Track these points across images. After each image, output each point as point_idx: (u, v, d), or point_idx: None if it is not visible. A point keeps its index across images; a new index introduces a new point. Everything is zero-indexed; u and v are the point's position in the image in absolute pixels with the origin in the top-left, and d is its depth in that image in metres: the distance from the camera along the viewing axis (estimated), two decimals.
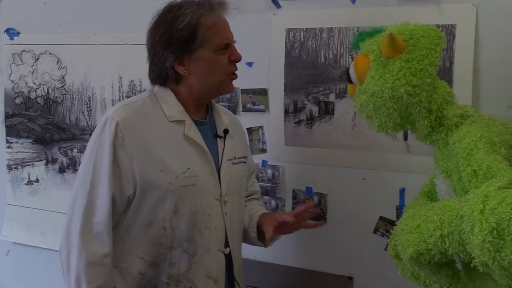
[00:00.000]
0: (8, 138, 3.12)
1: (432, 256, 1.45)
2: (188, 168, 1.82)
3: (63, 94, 2.93)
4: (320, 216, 2.35)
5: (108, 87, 2.81)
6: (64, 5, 2.88)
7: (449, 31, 2.03)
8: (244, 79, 2.33)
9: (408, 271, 1.73)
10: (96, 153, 1.77)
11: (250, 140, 2.47)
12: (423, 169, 2.03)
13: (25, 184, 3.11)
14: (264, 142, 2.47)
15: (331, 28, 2.26)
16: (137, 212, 1.81)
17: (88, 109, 2.87)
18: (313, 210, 2.22)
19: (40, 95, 3.00)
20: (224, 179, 1.92)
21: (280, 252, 2.45)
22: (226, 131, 1.97)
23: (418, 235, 1.46)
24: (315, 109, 2.33)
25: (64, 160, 2.97)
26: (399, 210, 2.20)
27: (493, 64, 1.99)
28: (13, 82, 3.07)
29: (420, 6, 2.07)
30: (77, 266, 1.73)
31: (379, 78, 1.56)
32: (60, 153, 2.98)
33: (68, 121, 2.94)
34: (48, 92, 2.97)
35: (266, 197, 2.48)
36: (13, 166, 3.13)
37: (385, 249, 2.23)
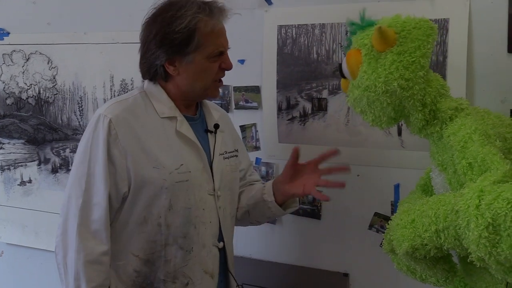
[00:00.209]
0: (0, 139, 3.10)
1: (427, 251, 1.45)
2: (181, 164, 1.82)
3: (55, 94, 2.91)
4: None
5: (99, 86, 2.79)
6: (54, 4, 2.85)
7: (442, 25, 2.02)
8: (236, 77, 2.33)
9: (404, 266, 1.72)
10: (90, 151, 1.77)
11: (243, 138, 2.46)
12: (418, 165, 2.03)
13: (18, 184, 3.09)
14: (257, 140, 2.46)
15: (323, 24, 2.25)
16: (131, 209, 1.81)
17: (80, 108, 2.85)
18: (339, 166, 2.03)
19: (32, 96, 2.98)
20: (216, 173, 1.92)
21: (275, 249, 2.45)
22: (216, 126, 1.97)
23: (413, 230, 1.45)
24: (308, 106, 2.32)
25: (57, 160, 2.96)
26: (394, 206, 2.19)
27: (487, 58, 1.99)
28: (4, 82, 3.04)
29: (413, 0, 2.06)
30: (76, 265, 1.72)
31: (371, 72, 1.55)
32: (53, 153, 2.96)
33: (60, 121, 2.92)
34: (39, 92, 2.95)
35: None
36: (6, 167, 3.11)
37: (381, 245, 2.23)
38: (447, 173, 1.55)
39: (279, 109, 2.38)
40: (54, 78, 2.90)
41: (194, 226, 1.85)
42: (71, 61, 2.85)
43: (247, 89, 2.44)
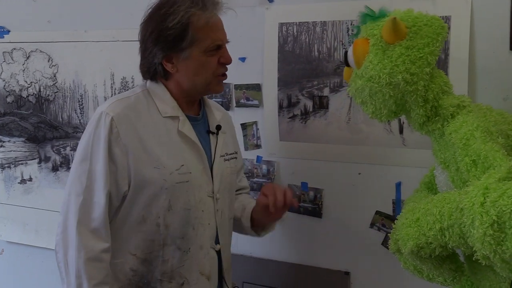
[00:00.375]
0: (0, 137, 3.10)
1: (432, 250, 1.44)
2: (182, 165, 1.81)
3: (55, 92, 2.91)
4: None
5: (100, 84, 2.79)
6: (54, 2, 2.85)
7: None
8: (237, 75, 2.32)
9: (411, 265, 1.71)
10: (91, 148, 1.76)
11: (244, 136, 2.46)
12: (419, 163, 2.02)
13: (18, 183, 3.09)
14: (258, 138, 2.46)
15: (325, 22, 2.25)
16: (130, 208, 1.80)
17: (81, 106, 2.85)
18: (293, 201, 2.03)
19: (32, 94, 2.97)
20: (216, 175, 1.91)
21: (276, 247, 2.45)
22: (218, 127, 1.95)
23: (417, 228, 1.45)
24: (309, 104, 2.31)
25: (57, 158, 2.95)
26: (396, 204, 2.19)
27: (489, 55, 1.98)
28: (4, 80, 3.04)
29: None
30: (77, 263, 1.71)
31: (377, 63, 1.55)
32: (53, 151, 2.96)
33: (60, 119, 2.92)
34: (39, 90, 2.95)
35: None
36: (6, 165, 3.11)
37: (382, 244, 2.23)
38: (450, 170, 1.55)
39: (280, 107, 2.37)
40: (54, 76, 2.90)
41: (192, 227, 1.84)
42: (71, 59, 2.85)
43: (248, 87, 2.43)
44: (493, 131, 1.45)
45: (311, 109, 2.31)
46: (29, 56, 2.95)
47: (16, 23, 2.98)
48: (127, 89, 2.63)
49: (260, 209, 1.98)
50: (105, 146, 1.73)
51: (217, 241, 1.93)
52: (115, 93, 2.73)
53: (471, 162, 1.39)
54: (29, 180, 3.06)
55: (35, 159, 3.02)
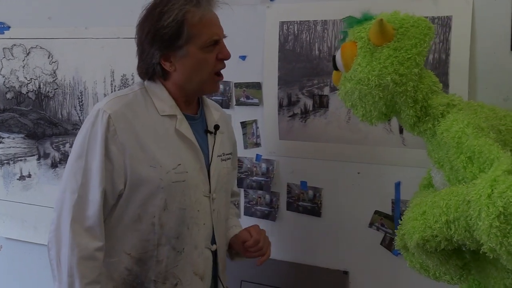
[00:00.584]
0: None
1: (437, 243, 1.42)
2: (179, 164, 1.80)
3: (55, 89, 2.90)
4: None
5: (100, 81, 2.78)
6: None
7: (445, 23, 2.01)
8: (237, 73, 2.32)
9: (417, 263, 1.69)
10: (87, 145, 1.74)
11: (244, 134, 2.46)
12: (419, 163, 2.02)
13: (17, 179, 3.09)
14: (258, 136, 2.45)
15: (325, 20, 2.24)
16: (126, 207, 1.79)
17: (80, 103, 2.85)
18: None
19: (32, 90, 2.97)
20: (213, 175, 1.90)
21: (274, 246, 2.43)
22: (216, 127, 1.95)
23: (423, 221, 1.43)
24: (309, 103, 2.31)
25: (56, 155, 2.95)
26: (395, 204, 2.19)
27: (490, 56, 1.98)
28: (4, 76, 3.04)
29: None
30: (69, 262, 1.70)
31: (366, 65, 1.55)
32: (52, 148, 2.96)
33: (60, 116, 2.92)
34: (39, 87, 2.95)
35: (260, 192, 2.46)
36: (5, 161, 3.10)
37: (381, 243, 2.23)
38: (444, 170, 1.54)
39: (280, 105, 2.37)
40: (54, 73, 2.90)
41: (187, 227, 1.83)
42: (71, 55, 2.85)
43: (248, 85, 2.43)
44: (484, 127, 1.44)
45: (311, 108, 2.31)
46: (29, 52, 2.95)
47: (17, 19, 2.98)
48: (127, 87, 2.63)
49: (238, 241, 2.04)
50: (102, 144, 1.72)
51: (213, 241, 1.93)
52: (115, 90, 2.73)
53: (466, 159, 1.39)
54: (28, 177, 3.06)
55: (34, 155, 3.02)
